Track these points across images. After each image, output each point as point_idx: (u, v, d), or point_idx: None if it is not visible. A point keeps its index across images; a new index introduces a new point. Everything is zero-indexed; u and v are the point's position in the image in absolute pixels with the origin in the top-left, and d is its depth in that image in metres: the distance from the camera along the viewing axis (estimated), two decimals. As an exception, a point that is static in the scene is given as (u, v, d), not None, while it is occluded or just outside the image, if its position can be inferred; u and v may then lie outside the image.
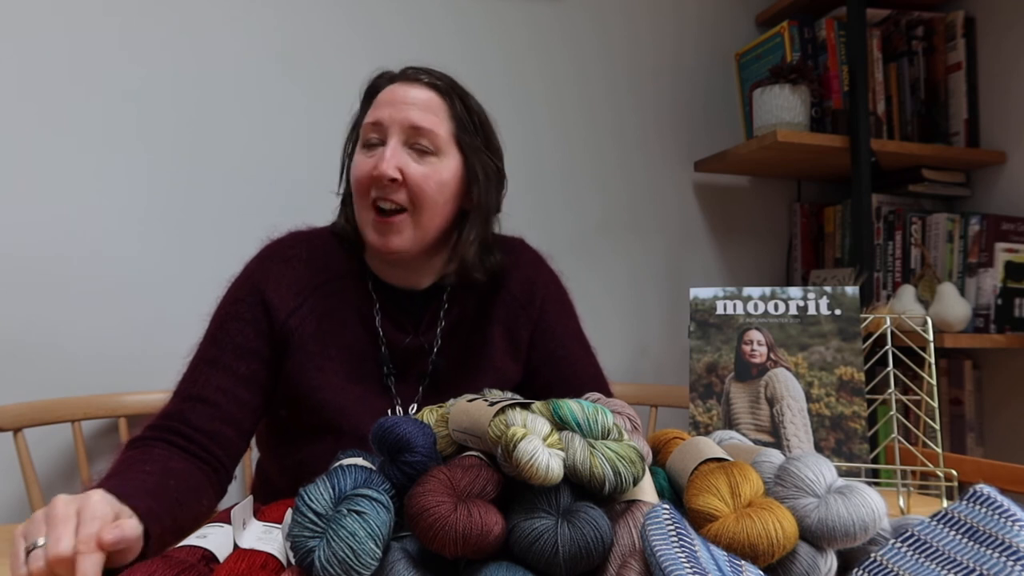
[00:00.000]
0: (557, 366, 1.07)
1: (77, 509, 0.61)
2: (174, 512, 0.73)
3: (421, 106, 0.95)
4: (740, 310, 0.97)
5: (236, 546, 0.59)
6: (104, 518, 0.60)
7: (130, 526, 0.61)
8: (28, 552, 0.59)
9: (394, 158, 0.93)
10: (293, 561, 0.52)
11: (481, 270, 1.02)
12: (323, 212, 1.16)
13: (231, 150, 1.57)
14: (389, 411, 1.00)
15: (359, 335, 0.99)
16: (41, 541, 0.59)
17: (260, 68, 1.59)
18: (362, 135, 0.98)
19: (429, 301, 1.03)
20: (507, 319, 1.05)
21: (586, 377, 1.08)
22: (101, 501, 0.62)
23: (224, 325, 0.96)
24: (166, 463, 0.82)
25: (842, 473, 0.87)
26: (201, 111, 1.55)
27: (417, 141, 0.95)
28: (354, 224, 1.01)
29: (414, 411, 0.99)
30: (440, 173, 0.96)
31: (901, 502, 0.87)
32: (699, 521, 0.56)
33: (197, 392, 0.92)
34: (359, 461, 0.64)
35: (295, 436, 0.99)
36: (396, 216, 0.95)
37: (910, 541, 0.53)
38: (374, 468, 0.61)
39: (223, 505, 0.88)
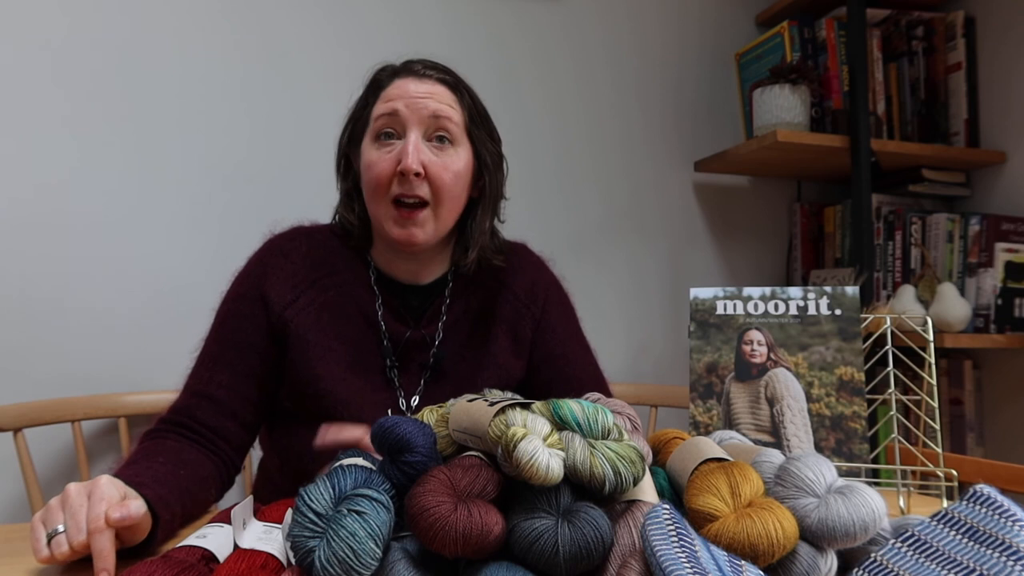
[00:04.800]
0: (557, 365, 1.08)
1: (88, 493, 0.66)
2: (184, 499, 0.79)
3: (437, 98, 0.97)
4: (740, 310, 0.97)
5: (236, 546, 0.59)
6: (110, 499, 0.66)
7: (135, 506, 0.66)
8: (50, 538, 0.64)
9: (417, 152, 0.94)
10: (293, 561, 0.52)
11: (498, 255, 1.05)
12: (320, 208, 1.16)
13: (228, 150, 1.57)
14: (390, 405, 1.01)
15: (361, 328, 1.01)
16: (61, 528, 0.65)
17: (254, 67, 1.59)
18: (373, 128, 0.98)
19: (431, 295, 1.05)
20: (511, 317, 1.07)
21: (586, 377, 1.10)
22: (108, 484, 0.68)
23: (226, 322, 1.00)
24: (178, 454, 0.88)
25: (842, 473, 0.87)
26: (198, 110, 1.55)
27: (437, 132, 0.96)
28: (363, 219, 1.03)
29: (416, 403, 1.01)
30: (457, 164, 0.98)
31: (901, 502, 0.87)
32: (699, 521, 0.56)
33: (203, 389, 0.96)
34: (359, 461, 0.64)
35: (297, 427, 1.00)
36: (419, 211, 0.96)
37: (910, 541, 0.53)
38: (374, 468, 0.61)
39: (224, 505, 0.88)
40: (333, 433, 0.82)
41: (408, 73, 0.99)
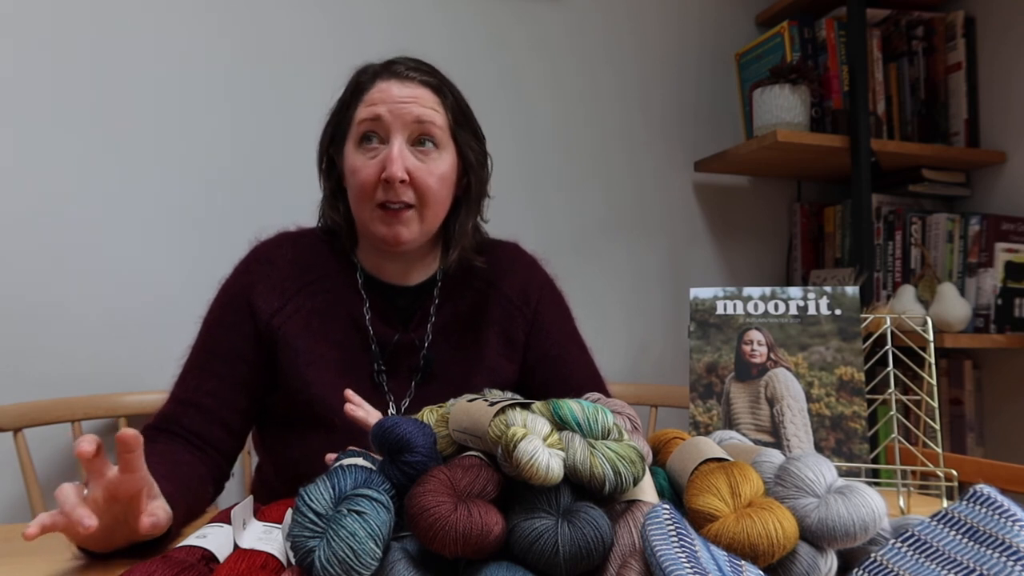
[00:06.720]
0: (553, 366, 1.08)
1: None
2: (187, 497, 0.79)
3: (421, 102, 0.96)
4: (740, 310, 0.97)
5: (236, 546, 0.59)
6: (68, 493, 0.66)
7: (159, 507, 0.68)
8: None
9: (401, 158, 0.93)
10: (293, 561, 0.52)
11: (478, 256, 1.04)
12: (313, 211, 1.16)
13: (226, 150, 1.57)
14: (380, 409, 1.00)
15: (349, 332, 1.00)
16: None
17: (248, 68, 1.59)
18: (356, 132, 0.97)
19: (420, 297, 1.04)
20: (502, 320, 1.06)
21: (582, 377, 1.09)
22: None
23: (212, 331, 0.99)
24: (173, 456, 0.87)
25: (842, 473, 0.87)
26: (195, 111, 1.55)
27: (420, 137, 0.96)
28: (348, 218, 1.03)
29: (406, 406, 1.00)
30: (441, 167, 0.97)
31: (901, 502, 0.87)
32: (699, 521, 0.56)
33: (189, 397, 0.95)
34: (359, 461, 0.64)
35: (290, 433, 1.00)
36: (404, 211, 0.96)
37: (910, 541, 0.53)
38: (374, 468, 0.60)
39: (223, 505, 0.88)
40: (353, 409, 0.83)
41: (391, 75, 0.97)
